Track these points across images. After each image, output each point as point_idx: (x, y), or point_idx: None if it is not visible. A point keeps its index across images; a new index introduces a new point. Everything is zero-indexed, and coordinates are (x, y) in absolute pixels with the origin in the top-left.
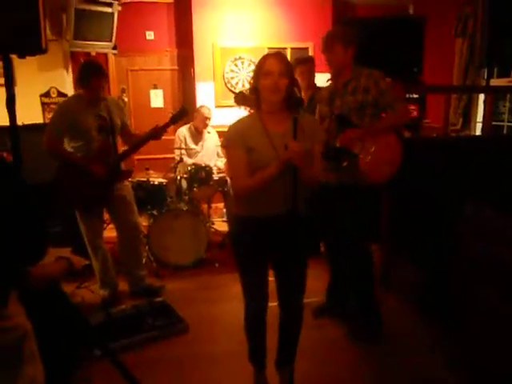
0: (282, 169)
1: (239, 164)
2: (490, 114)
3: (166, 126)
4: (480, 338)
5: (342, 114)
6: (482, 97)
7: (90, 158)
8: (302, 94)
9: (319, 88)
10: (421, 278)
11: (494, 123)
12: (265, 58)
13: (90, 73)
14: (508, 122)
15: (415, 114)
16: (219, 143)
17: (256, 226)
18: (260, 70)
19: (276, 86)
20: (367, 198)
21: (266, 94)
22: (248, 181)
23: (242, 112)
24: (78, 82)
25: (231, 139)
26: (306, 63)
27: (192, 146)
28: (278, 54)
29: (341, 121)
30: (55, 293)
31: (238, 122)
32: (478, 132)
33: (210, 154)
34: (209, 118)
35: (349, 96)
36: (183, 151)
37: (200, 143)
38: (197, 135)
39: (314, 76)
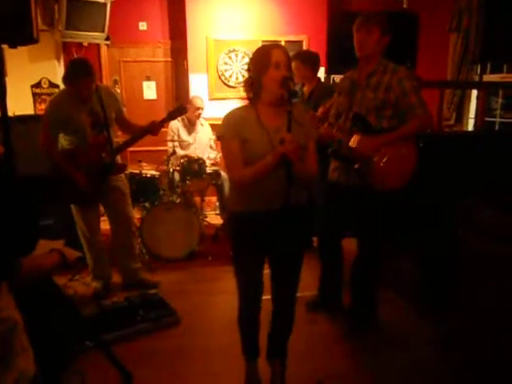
0: (278, 161)
1: (234, 155)
2: (483, 109)
3: (163, 121)
4: (478, 334)
5: (360, 114)
6: (474, 92)
7: (84, 152)
8: (305, 88)
9: (322, 82)
10: (418, 274)
11: (486, 119)
12: (270, 48)
13: (78, 73)
14: (500, 117)
15: None
16: (212, 136)
17: (251, 222)
18: (268, 61)
19: (285, 78)
20: (376, 200)
21: (275, 86)
22: (244, 171)
23: (236, 104)
24: (66, 79)
25: (226, 129)
26: (297, 58)
27: (185, 137)
28: (281, 46)
29: (357, 121)
30: (48, 285)
31: (233, 112)
32: (471, 128)
33: (203, 146)
34: (201, 108)
35: (370, 92)
36: (176, 143)
37: (193, 134)
38: (190, 127)
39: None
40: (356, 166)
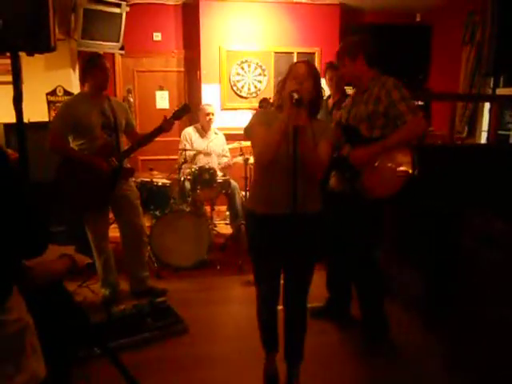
0: (286, 128)
1: (260, 136)
2: (495, 123)
3: (171, 119)
4: (484, 345)
5: (349, 126)
6: (487, 106)
7: (93, 155)
8: (330, 100)
9: (348, 95)
10: (424, 286)
11: (499, 132)
12: (294, 64)
13: (94, 62)
14: None
15: None
16: (226, 146)
17: (261, 222)
18: (288, 75)
19: (299, 87)
20: (370, 207)
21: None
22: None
23: (248, 115)
24: (83, 74)
25: (253, 120)
26: (337, 69)
27: (198, 144)
28: (306, 61)
29: (347, 133)
30: (58, 290)
31: (261, 111)
32: (483, 141)
33: (215, 155)
34: (211, 113)
35: (362, 105)
36: (187, 153)
37: (206, 142)
38: (203, 134)
39: (343, 82)
40: (346, 175)
